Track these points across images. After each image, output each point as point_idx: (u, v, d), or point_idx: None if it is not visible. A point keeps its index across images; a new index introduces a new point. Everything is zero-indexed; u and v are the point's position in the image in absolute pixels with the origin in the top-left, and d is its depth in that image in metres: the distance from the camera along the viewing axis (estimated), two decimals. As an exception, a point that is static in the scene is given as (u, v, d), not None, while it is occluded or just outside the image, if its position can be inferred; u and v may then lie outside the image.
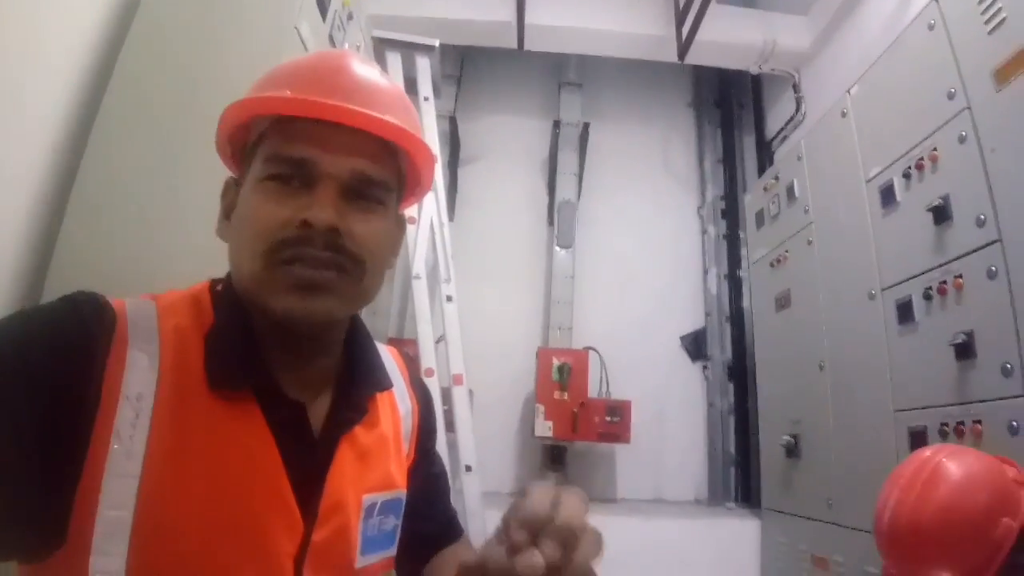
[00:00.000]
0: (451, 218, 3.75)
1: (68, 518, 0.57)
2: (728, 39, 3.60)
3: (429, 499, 0.88)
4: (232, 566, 0.61)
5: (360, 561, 0.74)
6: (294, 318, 0.66)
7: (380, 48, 2.99)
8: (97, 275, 0.98)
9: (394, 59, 3.02)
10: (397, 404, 0.86)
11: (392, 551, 0.80)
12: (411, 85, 3.01)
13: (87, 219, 0.94)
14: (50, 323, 0.61)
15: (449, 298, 2.88)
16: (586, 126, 4.09)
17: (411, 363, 0.95)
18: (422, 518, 0.85)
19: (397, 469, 0.82)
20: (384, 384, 0.83)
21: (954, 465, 1.09)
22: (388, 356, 0.90)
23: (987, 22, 1.71)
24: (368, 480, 0.76)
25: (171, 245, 1.20)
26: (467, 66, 4.31)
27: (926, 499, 1.07)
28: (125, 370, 0.61)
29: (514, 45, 3.68)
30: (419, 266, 2.81)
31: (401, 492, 0.82)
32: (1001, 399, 1.62)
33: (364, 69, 0.74)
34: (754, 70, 3.75)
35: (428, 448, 0.93)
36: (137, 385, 0.61)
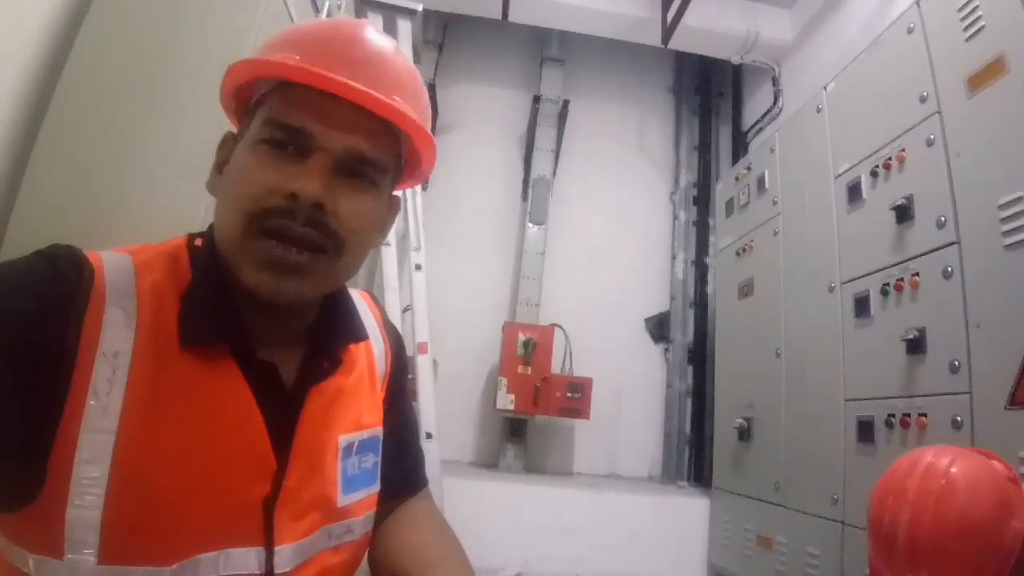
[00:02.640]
0: (424, 187, 3.72)
1: (44, 471, 0.57)
2: (712, 27, 3.63)
3: (398, 441, 0.90)
4: (205, 512, 0.63)
5: (343, 500, 0.75)
6: (263, 295, 0.66)
7: (362, 8, 2.91)
8: (62, 224, 0.96)
9: (375, 20, 2.94)
10: (372, 347, 0.88)
11: (375, 487, 0.82)
12: (391, 48, 2.95)
13: (53, 166, 0.92)
14: (27, 278, 0.60)
15: (418, 267, 2.86)
16: (566, 103, 4.09)
17: (382, 307, 0.96)
18: (391, 459, 0.86)
19: (372, 409, 0.84)
20: (360, 335, 0.84)
21: (961, 474, 1.09)
22: (362, 302, 0.91)
23: (965, 29, 1.76)
24: (344, 422, 0.77)
25: (138, 201, 1.17)
26: (449, 33, 4.25)
27: (945, 510, 1.07)
28: (102, 327, 0.61)
29: (498, 15, 3.64)
30: (389, 233, 2.78)
31: (378, 430, 0.84)
32: (947, 394, 1.70)
33: (378, 43, 0.72)
34: (735, 60, 3.78)
35: (400, 385, 0.94)
36: (114, 342, 0.61)
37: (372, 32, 0.73)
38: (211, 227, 0.73)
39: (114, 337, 0.61)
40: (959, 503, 1.07)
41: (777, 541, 2.46)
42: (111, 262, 0.66)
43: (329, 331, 0.79)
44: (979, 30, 1.71)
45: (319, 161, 0.67)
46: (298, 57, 0.66)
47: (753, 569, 2.64)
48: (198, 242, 0.73)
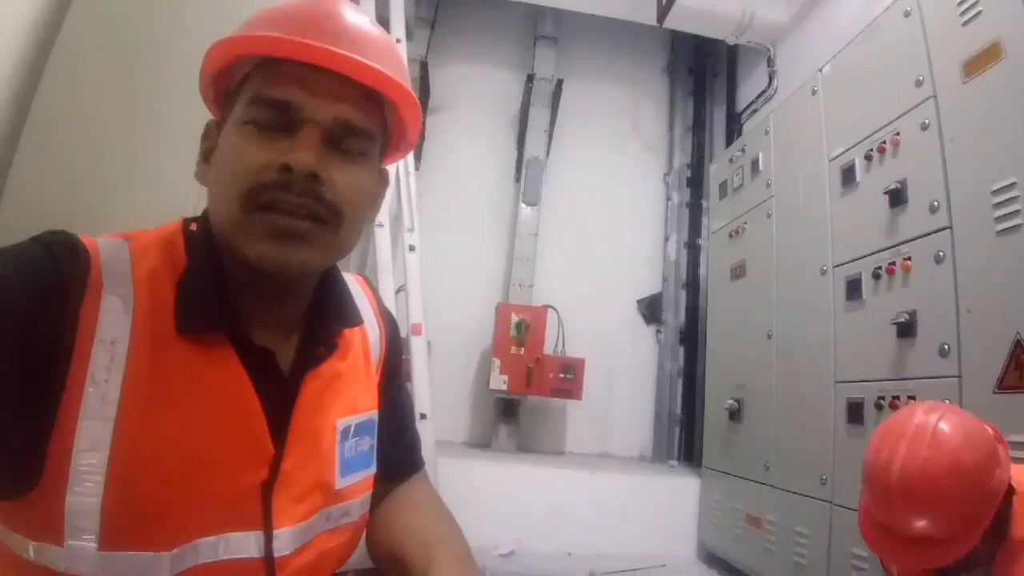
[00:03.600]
0: (417, 167, 3.70)
1: (43, 459, 0.57)
2: (707, 6, 3.59)
3: (393, 424, 0.90)
4: (204, 498, 0.63)
5: (340, 483, 0.76)
6: (268, 266, 0.65)
7: (354, -16, 2.87)
8: (49, 210, 0.95)
9: (367, -4, 2.91)
10: (367, 331, 0.88)
11: (371, 470, 0.82)
12: (383, 25, 2.90)
13: (39, 156, 0.91)
14: (23, 266, 0.59)
15: (412, 247, 2.86)
16: (559, 82, 4.05)
17: (377, 290, 0.96)
18: (387, 442, 0.87)
19: (368, 392, 0.84)
20: (355, 320, 0.84)
21: (953, 424, 1.15)
22: (356, 287, 0.91)
23: (962, 14, 1.75)
24: (340, 406, 0.78)
25: (127, 181, 1.16)
26: (442, 10, 4.19)
27: (937, 453, 1.11)
28: (100, 314, 0.61)
29: (492, -8, 3.60)
30: (382, 214, 2.77)
31: (373, 413, 0.84)
32: (936, 378, 1.72)
33: (355, 16, 0.71)
34: (731, 40, 3.75)
35: (395, 369, 0.95)
36: (111, 329, 0.61)
37: (349, 7, 0.73)
38: (205, 212, 0.72)
39: (111, 324, 0.61)
40: (950, 448, 1.12)
41: (766, 520, 2.50)
42: (107, 248, 0.65)
43: (324, 316, 0.79)
44: (976, 15, 1.71)
45: (309, 133, 0.66)
46: (276, 34, 0.66)
47: (742, 547, 2.68)
48: (193, 227, 0.73)
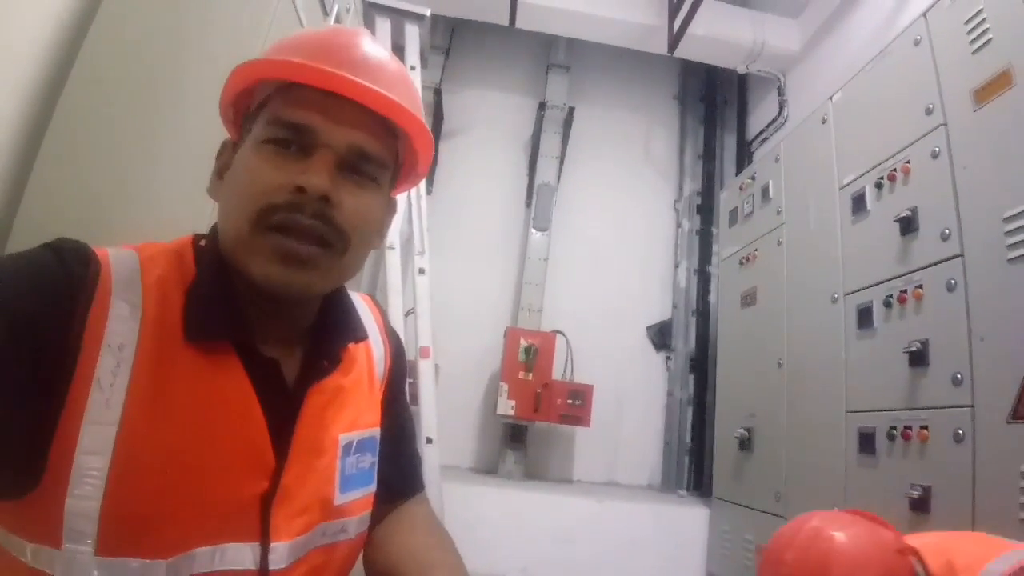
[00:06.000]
0: (429, 191, 3.73)
1: (45, 461, 0.57)
2: (718, 35, 3.64)
3: (395, 444, 0.90)
4: (203, 507, 0.63)
5: (340, 498, 0.76)
6: (272, 287, 0.67)
7: (370, 13, 2.93)
8: (67, 222, 0.97)
9: (383, 25, 2.97)
10: (372, 349, 0.89)
11: (372, 488, 0.82)
12: (398, 53, 2.96)
13: (59, 165, 0.92)
14: (35, 270, 0.60)
15: (422, 271, 2.86)
16: (571, 110, 4.10)
17: (384, 310, 0.97)
18: (388, 461, 0.87)
19: (371, 409, 0.85)
20: (359, 335, 0.85)
21: (844, 545, 1.02)
22: (363, 305, 0.92)
23: (972, 41, 1.76)
24: (343, 421, 0.78)
25: (145, 196, 1.18)
26: (456, 38, 4.27)
27: None
28: (108, 320, 0.62)
29: (505, 21, 3.66)
30: (393, 237, 2.79)
31: (375, 430, 0.85)
32: (949, 407, 1.69)
33: (374, 48, 0.75)
34: (741, 69, 3.79)
35: (398, 388, 0.95)
36: (119, 335, 0.62)
37: (368, 39, 0.76)
38: (214, 228, 0.74)
39: (119, 330, 0.62)
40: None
41: (777, 552, 2.45)
42: (117, 257, 0.67)
43: (329, 330, 0.80)
44: (986, 43, 1.71)
45: (323, 157, 0.68)
46: (298, 60, 0.68)
47: (752, 580, 2.62)
48: (202, 243, 0.74)
